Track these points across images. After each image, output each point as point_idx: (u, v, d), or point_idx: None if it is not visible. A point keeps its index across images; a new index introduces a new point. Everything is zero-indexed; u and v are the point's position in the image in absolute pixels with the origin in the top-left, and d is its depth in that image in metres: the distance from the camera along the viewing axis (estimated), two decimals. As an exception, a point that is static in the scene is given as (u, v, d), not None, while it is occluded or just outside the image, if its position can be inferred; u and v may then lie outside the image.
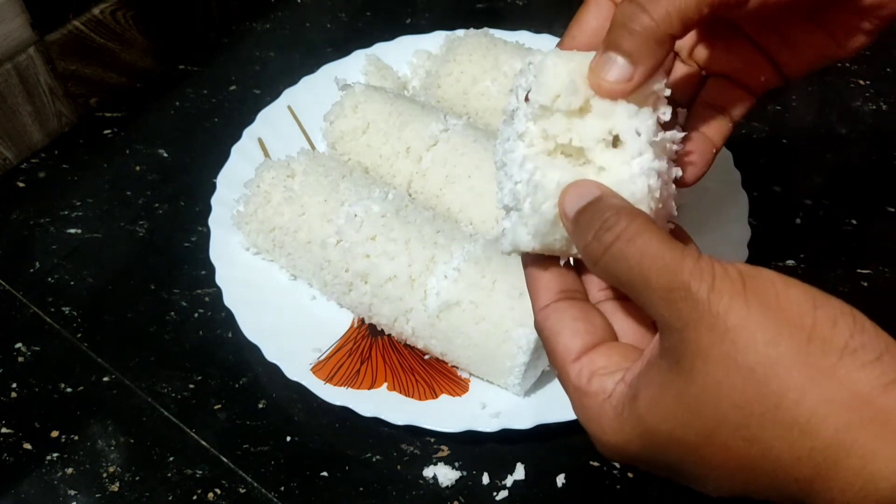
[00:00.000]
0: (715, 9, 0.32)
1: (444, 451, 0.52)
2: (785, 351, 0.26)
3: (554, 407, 0.51)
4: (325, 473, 0.51)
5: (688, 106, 0.42)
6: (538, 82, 0.33)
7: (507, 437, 0.51)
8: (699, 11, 0.32)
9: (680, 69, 0.43)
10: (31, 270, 0.61)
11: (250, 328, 0.54)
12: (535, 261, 0.35)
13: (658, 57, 0.32)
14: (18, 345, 0.57)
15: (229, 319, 0.56)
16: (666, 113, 0.34)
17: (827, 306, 0.27)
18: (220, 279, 0.57)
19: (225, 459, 0.52)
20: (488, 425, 0.50)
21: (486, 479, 0.51)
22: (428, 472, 0.51)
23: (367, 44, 0.72)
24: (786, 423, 0.26)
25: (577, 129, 0.33)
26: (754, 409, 0.27)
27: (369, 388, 0.53)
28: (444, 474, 0.51)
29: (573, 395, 0.33)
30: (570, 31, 0.39)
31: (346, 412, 0.51)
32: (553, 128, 0.33)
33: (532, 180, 0.33)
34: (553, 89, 0.33)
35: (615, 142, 0.33)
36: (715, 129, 0.41)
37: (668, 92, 0.34)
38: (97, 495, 0.50)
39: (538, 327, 0.35)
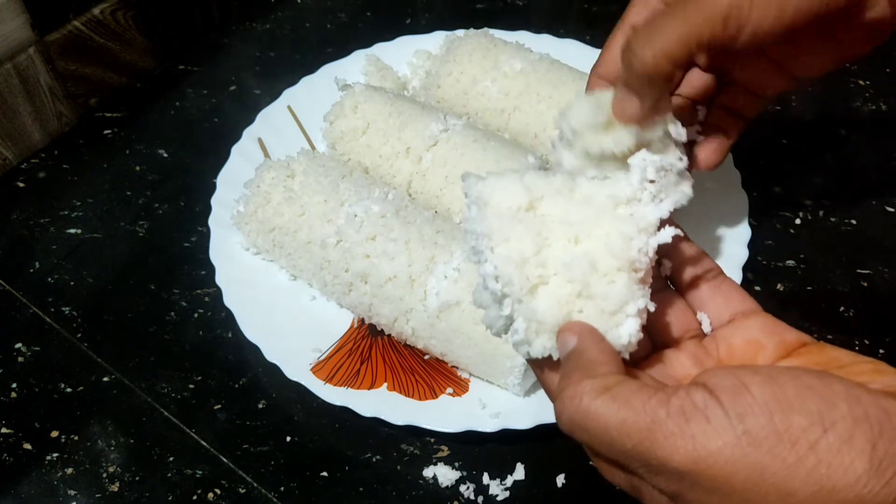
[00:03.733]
0: (705, 48, 0.35)
1: (444, 451, 0.52)
2: (803, 497, 0.25)
3: (554, 407, 0.51)
4: (325, 473, 0.51)
5: (707, 106, 0.48)
6: (567, 117, 0.37)
7: (507, 437, 0.51)
8: (687, 53, 0.35)
9: (698, 77, 0.47)
10: (31, 270, 0.61)
11: (250, 328, 0.54)
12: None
13: (655, 92, 0.36)
14: (18, 345, 0.57)
15: (229, 319, 0.56)
16: (679, 133, 0.37)
17: (837, 423, 0.25)
18: (220, 279, 0.57)
19: (225, 459, 0.52)
20: (488, 425, 0.50)
21: (486, 479, 0.51)
22: (428, 472, 0.51)
23: (367, 44, 0.72)
24: None
25: (607, 141, 0.36)
26: None
27: (369, 389, 0.53)
28: (444, 474, 0.51)
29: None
30: (601, 56, 0.47)
31: (345, 412, 0.51)
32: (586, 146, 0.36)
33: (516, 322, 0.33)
34: (579, 117, 0.37)
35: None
36: (730, 125, 0.46)
37: (679, 131, 0.37)
38: (97, 495, 0.50)
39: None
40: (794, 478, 0.25)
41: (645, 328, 0.33)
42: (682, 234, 0.35)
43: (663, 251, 0.36)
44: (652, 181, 0.34)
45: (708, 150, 0.48)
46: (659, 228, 0.33)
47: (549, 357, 0.33)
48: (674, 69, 0.35)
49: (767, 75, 0.44)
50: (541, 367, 0.34)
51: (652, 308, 0.33)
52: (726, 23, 0.34)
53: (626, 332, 0.32)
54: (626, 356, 0.32)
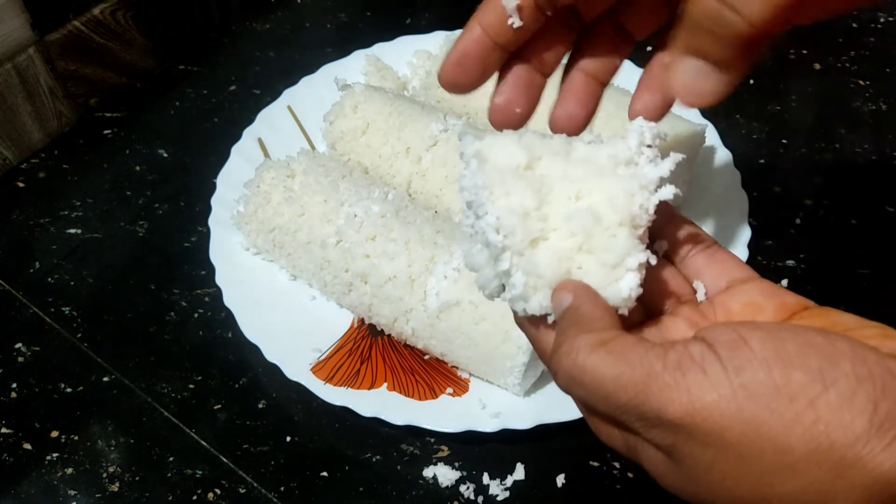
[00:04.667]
0: None
1: (444, 451, 0.52)
2: (800, 455, 0.25)
3: (554, 407, 0.51)
4: (325, 473, 0.51)
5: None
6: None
7: (507, 437, 0.51)
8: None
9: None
10: (31, 270, 0.61)
11: (250, 328, 0.54)
12: None
13: (753, 61, 0.29)
14: (18, 345, 0.57)
15: (229, 319, 0.56)
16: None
17: (839, 380, 0.25)
18: (220, 279, 0.57)
19: (225, 459, 0.52)
20: (488, 425, 0.50)
21: (486, 479, 0.51)
22: (428, 472, 0.51)
23: (367, 44, 0.72)
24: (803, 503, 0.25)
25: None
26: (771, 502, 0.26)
27: (369, 389, 0.53)
28: (444, 474, 0.51)
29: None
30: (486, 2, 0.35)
31: (346, 412, 0.51)
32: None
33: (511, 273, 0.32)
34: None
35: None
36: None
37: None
38: (97, 495, 0.50)
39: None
40: (791, 434, 0.25)
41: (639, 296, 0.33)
42: (680, 193, 0.33)
43: (657, 229, 0.35)
44: (649, 146, 0.34)
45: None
46: (657, 189, 0.33)
47: (545, 317, 0.32)
48: (783, 25, 0.28)
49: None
50: (536, 327, 0.33)
51: (653, 261, 0.32)
52: None
53: (625, 286, 0.32)
54: (626, 312, 0.32)
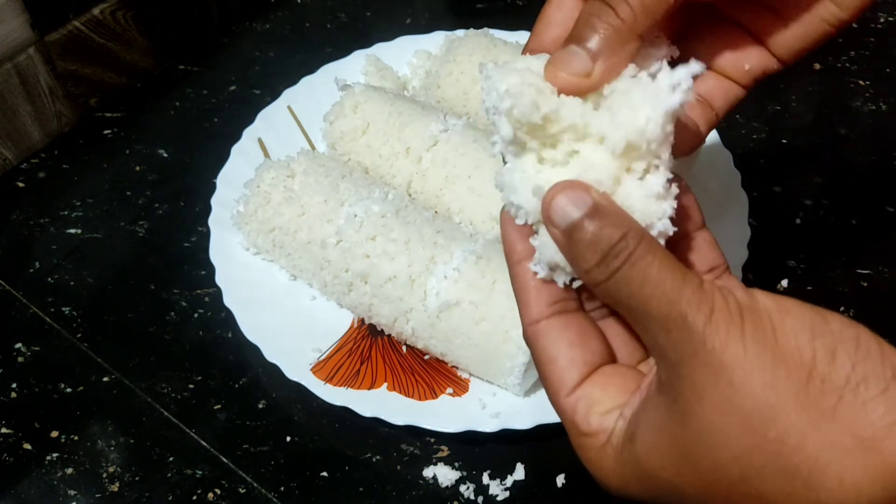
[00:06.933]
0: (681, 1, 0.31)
1: (444, 451, 0.52)
2: (783, 392, 0.25)
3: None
4: (325, 473, 0.51)
5: None
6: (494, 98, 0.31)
7: (507, 437, 0.51)
8: (665, 5, 0.30)
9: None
10: (31, 270, 0.61)
11: (250, 328, 0.54)
12: (525, 257, 0.32)
13: (621, 55, 0.31)
14: (18, 345, 0.57)
15: (229, 319, 0.56)
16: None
17: (825, 335, 0.25)
18: (220, 279, 0.57)
19: (225, 459, 0.52)
20: (488, 425, 0.50)
21: (486, 479, 0.51)
22: (428, 472, 0.51)
23: (367, 44, 0.72)
24: (787, 474, 0.25)
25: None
26: (754, 460, 0.25)
27: (369, 389, 0.53)
28: (444, 474, 0.51)
29: (571, 430, 0.31)
30: (535, 30, 0.36)
31: (346, 412, 0.51)
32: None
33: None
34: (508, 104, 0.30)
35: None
36: (700, 117, 0.39)
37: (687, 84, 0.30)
38: (97, 495, 0.50)
39: (529, 343, 0.33)
40: (778, 373, 0.25)
41: None
42: (691, 99, 0.31)
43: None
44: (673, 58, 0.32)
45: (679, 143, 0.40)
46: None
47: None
48: (649, 26, 0.31)
49: (741, 49, 0.38)
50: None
51: (675, 191, 0.31)
52: None
53: (661, 225, 0.30)
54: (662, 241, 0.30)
